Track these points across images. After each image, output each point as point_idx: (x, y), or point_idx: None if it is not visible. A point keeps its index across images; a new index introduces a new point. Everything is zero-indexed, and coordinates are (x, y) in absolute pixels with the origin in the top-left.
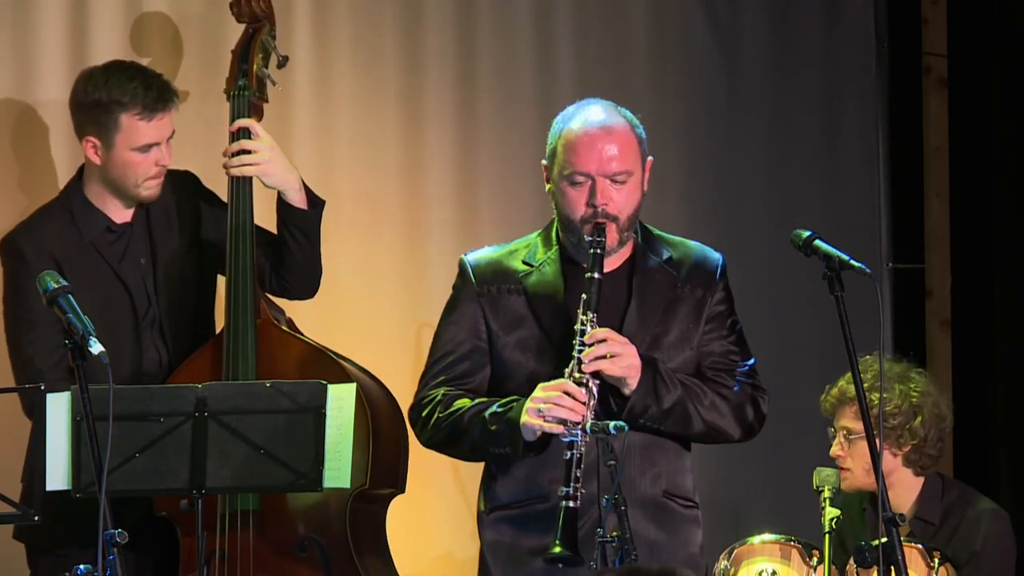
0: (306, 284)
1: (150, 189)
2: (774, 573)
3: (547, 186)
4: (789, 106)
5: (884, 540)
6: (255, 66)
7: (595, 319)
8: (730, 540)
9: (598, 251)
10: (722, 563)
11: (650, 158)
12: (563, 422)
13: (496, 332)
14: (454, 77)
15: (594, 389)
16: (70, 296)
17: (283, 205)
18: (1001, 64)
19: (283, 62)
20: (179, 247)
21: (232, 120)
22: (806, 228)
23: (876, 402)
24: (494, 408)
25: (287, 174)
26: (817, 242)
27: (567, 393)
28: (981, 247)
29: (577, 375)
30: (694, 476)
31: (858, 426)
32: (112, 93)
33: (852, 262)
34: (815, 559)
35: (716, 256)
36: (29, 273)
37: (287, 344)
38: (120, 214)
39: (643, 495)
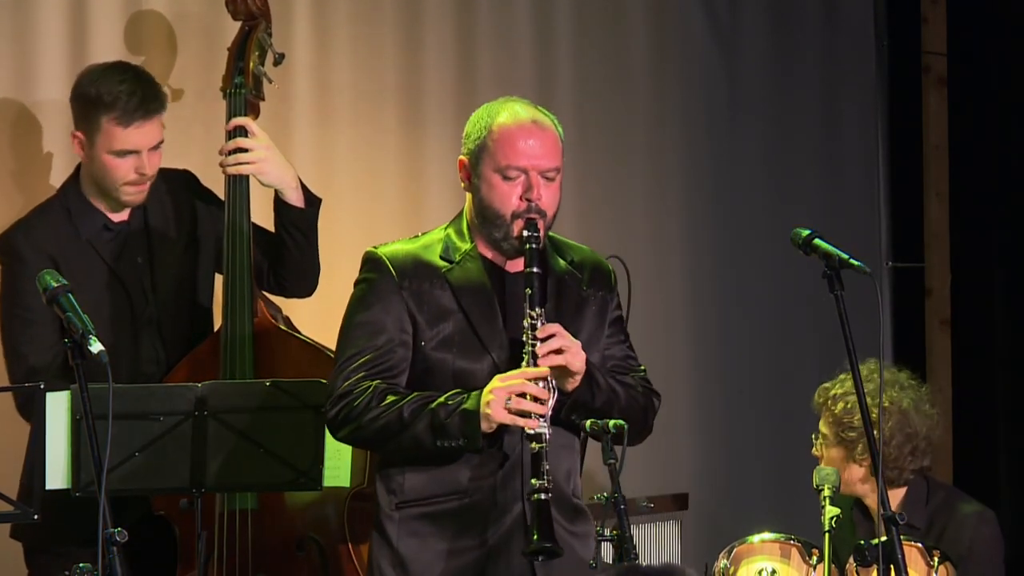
0: (304, 282)
1: (130, 195)
2: (774, 572)
3: (463, 183)
4: (789, 105)
5: (884, 539)
6: (251, 64)
7: (543, 314)
8: (730, 539)
9: (535, 246)
10: (722, 562)
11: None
12: (528, 415)
13: (421, 326)
14: (453, 75)
15: (552, 382)
16: (70, 295)
17: (280, 203)
18: (1001, 63)
19: (279, 60)
20: (177, 246)
21: (228, 118)
22: (806, 227)
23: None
24: (441, 400)
25: (284, 172)
26: (817, 240)
27: (531, 384)
28: (981, 246)
29: (532, 368)
30: (685, 474)
31: (829, 432)
32: (99, 91)
33: (852, 261)
34: (815, 558)
35: (606, 262)
36: (26, 271)
37: (285, 343)
38: (117, 213)
39: (560, 493)
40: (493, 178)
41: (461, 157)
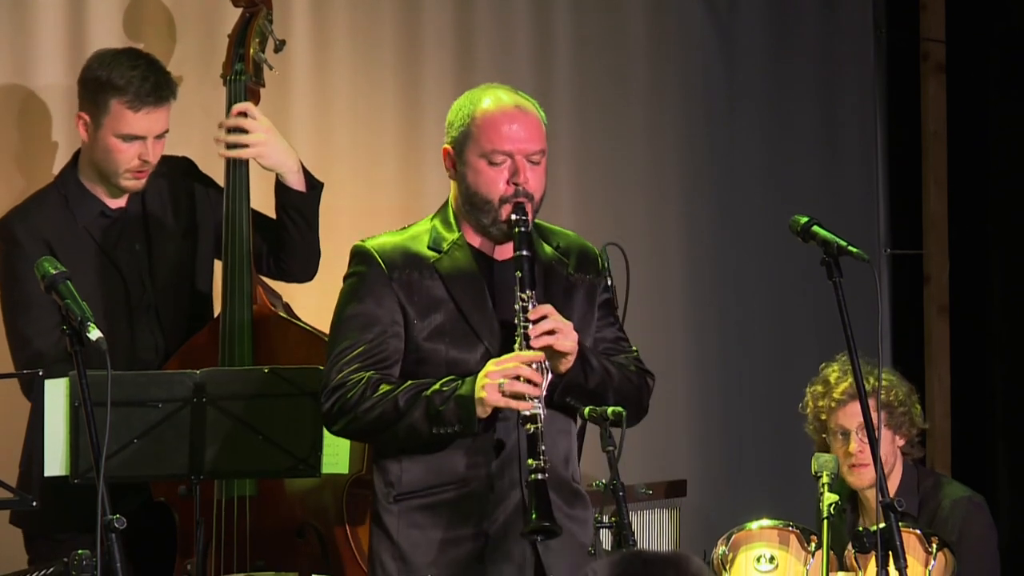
0: (305, 267)
1: (130, 181)
2: (772, 558)
3: (448, 171)
4: (787, 93)
5: (882, 525)
6: (252, 51)
7: (534, 296)
8: (728, 525)
9: (523, 229)
10: (720, 548)
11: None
12: (523, 398)
13: (412, 317)
14: (452, 62)
15: (545, 364)
16: (69, 282)
17: (281, 188)
18: (999, 50)
19: (280, 47)
20: (175, 233)
21: (228, 105)
22: (804, 214)
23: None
24: (436, 387)
25: (285, 156)
26: (815, 227)
27: (525, 367)
28: (979, 233)
29: (527, 351)
30: (683, 461)
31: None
32: (111, 75)
33: (850, 248)
34: (813, 544)
35: (593, 246)
36: (23, 256)
37: (284, 329)
38: (114, 199)
39: (558, 477)
40: (479, 163)
41: (445, 146)
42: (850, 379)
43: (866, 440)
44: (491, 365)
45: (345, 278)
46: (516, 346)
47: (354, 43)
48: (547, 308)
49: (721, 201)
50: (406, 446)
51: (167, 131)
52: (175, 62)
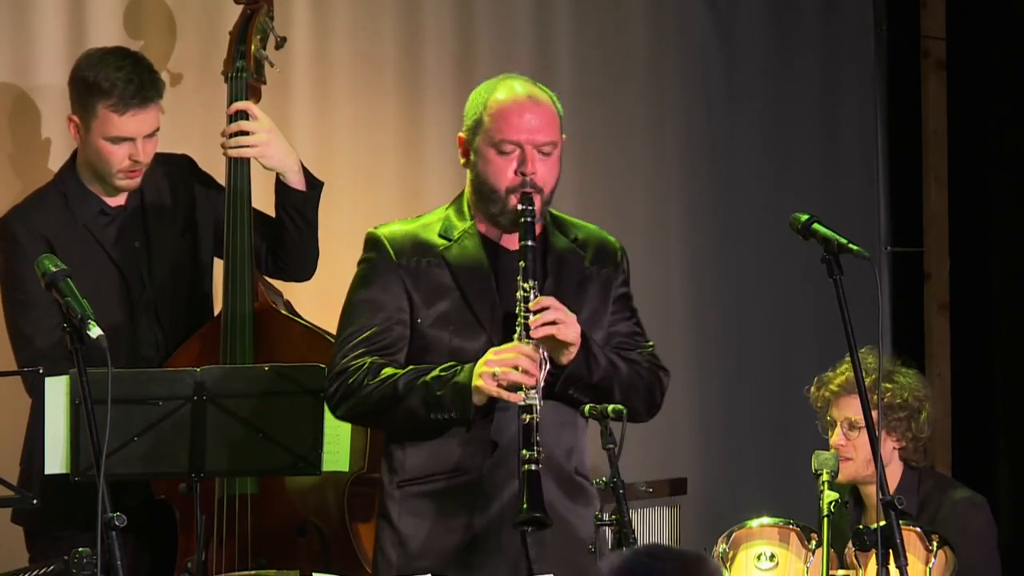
0: (303, 266)
1: (124, 180)
2: (772, 556)
3: (462, 160)
4: (788, 90)
5: (883, 523)
6: (253, 48)
7: (537, 286)
8: (729, 523)
9: (529, 219)
10: (721, 546)
11: (563, 136)
12: (518, 387)
13: (418, 304)
14: (453, 59)
15: (544, 354)
16: (69, 279)
17: (281, 186)
18: (999, 47)
19: (281, 44)
20: (174, 230)
21: (230, 102)
22: (805, 211)
23: (886, 394)
24: (436, 373)
25: (286, 156)
26: (816, 225)
27: (523, 357)
28: (979, 230)
29: (526, 341)
30: (684, 459)
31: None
32: (97, 77)
33: (851, 245)
34: (814, 542)
35: (615, 239)
36: (23, 255)
37: (286, 327)
38: (113, 197)
39: (560, 470)
40: (488, 152)
41: (460, 134)
42: (849, 373)
43: (850, 435)
44: (490, 354)
45: (357, 264)
46: (516, 335)
47: (354, 41)
48: (549, 300)
49: (721, 199)
50: (407, 431)
51: (158, 129)
52: (176, 60)
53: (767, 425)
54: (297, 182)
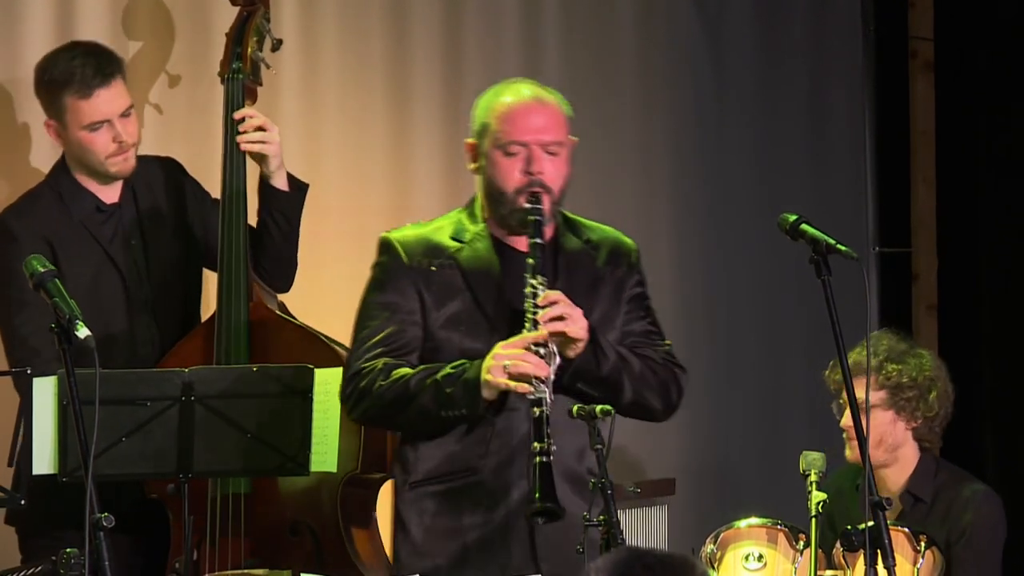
0: (282, 274)
1: (117, 165)
2: (761, 556)
3: (471, 165)
4: (776, 91)
5: (871, 524)
6: (249, 49)
7: (545, 282)
8: (717, 524)
9: (538, 218)
10: (708, 547)
11: (573, 138)
12: (528, 380)
13: (429, 306)
14: (441, 60)
15: (553, 348)
16: (57, 280)
17: (267, 188)
18: (988, 48)
19: (277, 45)
20: (167, 229)
21: (226, 103)
22: (793, 212)
23: (892, 374)
24: (446, 371)
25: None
26: (804, 226)
27: (530, 349)
28: (968, 231)
29: (533, 333)
30: (671, 460)
31: (873, 397)
32: (55, 74)
33: (839, 246)
34: (802, 543)
35: (631, 241)
36: (20, 253)
37: (280, 328)
38: (107, 193)
39: (569, 469)
40: (495, 155)
41: (468, 140)
42: (854, 358)
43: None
44: (498, 347)
45: (371, 268)
46: (524, 331)
47: (343, 40)
48: (557, 295)
49: (710, 200)
50: (419, 430)
51: (131, 106)
52: (173, 61)
53: (755, 426)
54: (282, 184)
